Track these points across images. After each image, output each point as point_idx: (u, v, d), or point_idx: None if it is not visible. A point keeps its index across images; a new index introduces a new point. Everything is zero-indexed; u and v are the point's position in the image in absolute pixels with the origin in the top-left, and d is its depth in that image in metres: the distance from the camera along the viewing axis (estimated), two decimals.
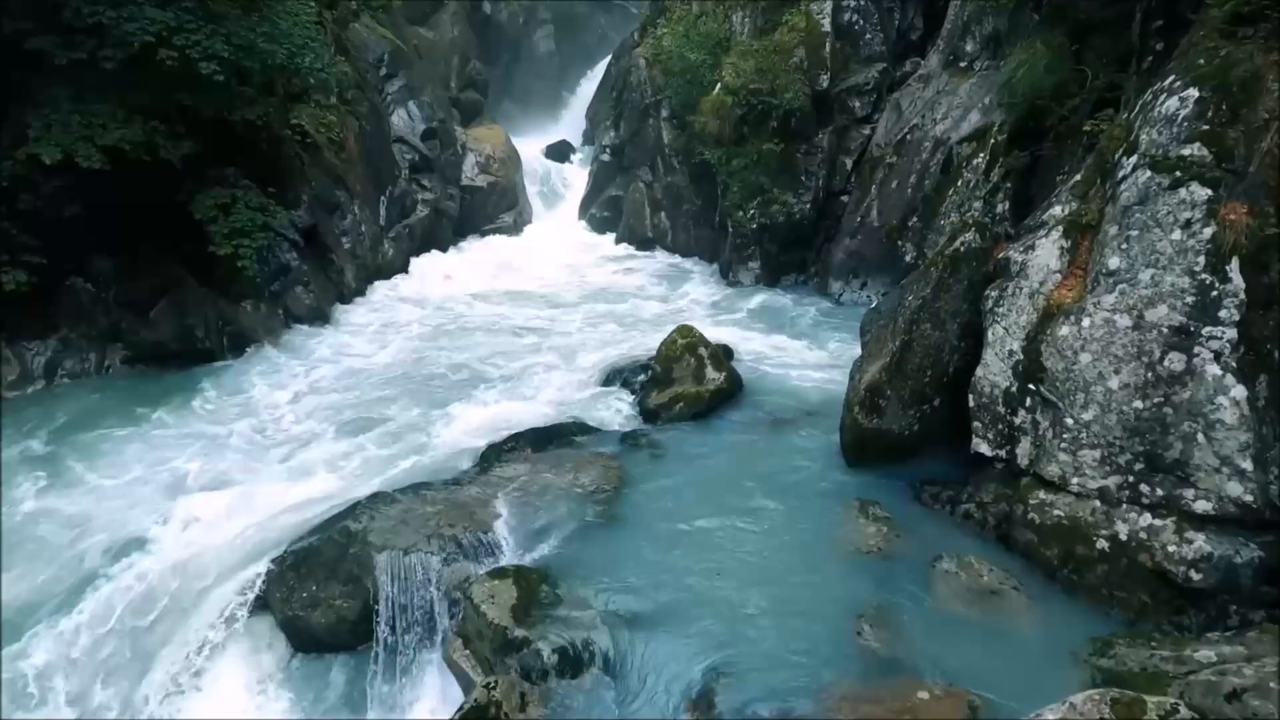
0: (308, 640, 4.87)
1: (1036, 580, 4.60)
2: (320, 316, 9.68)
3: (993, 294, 5.23)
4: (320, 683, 4.75)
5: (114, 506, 5.74)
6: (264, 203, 8.25)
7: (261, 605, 4.92)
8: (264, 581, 4.97)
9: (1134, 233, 4.55)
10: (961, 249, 5.60)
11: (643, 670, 4.05)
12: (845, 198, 10.95)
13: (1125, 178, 4.69)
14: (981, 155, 8.91)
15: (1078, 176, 5.34)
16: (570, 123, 18.96)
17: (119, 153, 6.98)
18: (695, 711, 3.74)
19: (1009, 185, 8.48)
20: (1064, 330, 4.73)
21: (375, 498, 5.38)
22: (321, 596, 4.84)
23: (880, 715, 3.60)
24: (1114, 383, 4.50)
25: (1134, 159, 4.71)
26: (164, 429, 6.89)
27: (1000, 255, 5.35)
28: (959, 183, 9.10)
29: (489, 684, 3.88)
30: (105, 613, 4.80)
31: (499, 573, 4.57)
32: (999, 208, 8.35)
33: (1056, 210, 5.24)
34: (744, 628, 4.20)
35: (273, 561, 5.04)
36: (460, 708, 3.88)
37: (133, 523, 5.53)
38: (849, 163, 11.09)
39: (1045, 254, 5.04)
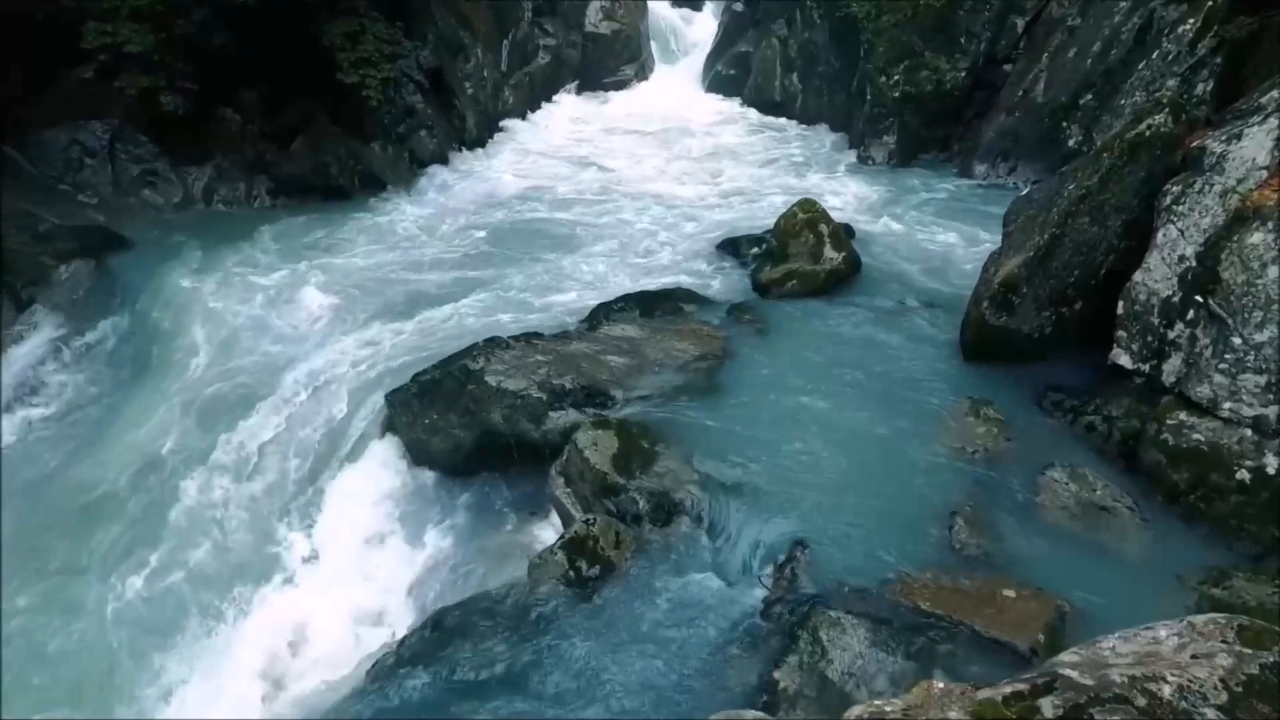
0: (427, 461, 5.37)
1: (1154, 504, 4.34)
2: (442, 161, 9.86)
3: (1174, 189, 4.58)
4: (437, 499, 5.28)
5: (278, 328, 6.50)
6: (391, 34, 8.26)
7: (389, 426, 5.47)
8: (389, 405, 5.48)
9: None
10: (1146, 133, 4.87)
11: (731, 531, 4.23)
12: (1009, 66, 9.64)
13: None
14: (1192, 20, 7.50)
15: None
16: None
17: None
18: (778, 574, 3.92)
19: (1219, 60, 7.15)
20: (1256, 238, 4.12)
21: (491, 341, 5.68)
22: (440, 425, 5.28)
23: (962, 605, 3.64)
24: None
25: None
26: (316, 257, 7.48)
27: (1193, 144, 4.62)
28: (1154, 54, 7.77)
29: (588, 520, 4.20)
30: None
31: (602, 423, 4.79)
32: (1200, 88, 7.11)
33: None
34: (835, 508, 4.26)
35: (398, 389, 5.52)
36: (561, 537, 4.25)
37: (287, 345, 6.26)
38: (1020, 24, 9.65)
39: (1253, 145, 4.30)
